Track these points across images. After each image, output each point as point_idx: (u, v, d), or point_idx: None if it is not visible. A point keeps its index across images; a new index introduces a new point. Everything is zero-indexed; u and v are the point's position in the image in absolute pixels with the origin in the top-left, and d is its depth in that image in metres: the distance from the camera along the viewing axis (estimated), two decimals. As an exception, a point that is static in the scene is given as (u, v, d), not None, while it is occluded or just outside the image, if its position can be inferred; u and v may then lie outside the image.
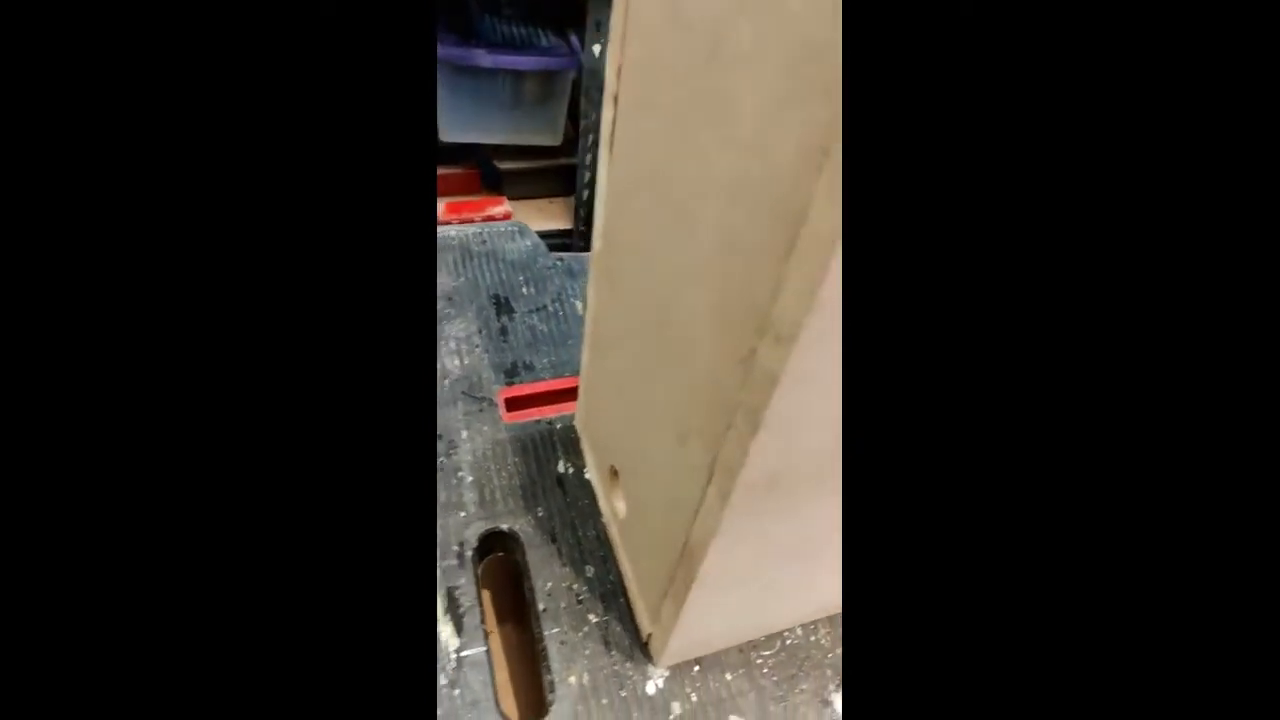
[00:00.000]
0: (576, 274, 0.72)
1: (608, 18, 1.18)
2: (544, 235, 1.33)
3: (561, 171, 1.38)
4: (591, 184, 1.26)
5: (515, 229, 0.77)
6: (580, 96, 1.17)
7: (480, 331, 0.64)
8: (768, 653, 0.45)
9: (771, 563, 0.35)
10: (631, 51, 0.31)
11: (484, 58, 1.11)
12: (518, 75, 1.19)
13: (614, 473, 0.47)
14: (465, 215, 1.30)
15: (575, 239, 1.35)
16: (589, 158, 1.22)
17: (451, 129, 1.24)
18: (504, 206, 1.34)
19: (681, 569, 0.35)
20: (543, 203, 1.42)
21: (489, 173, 1.39)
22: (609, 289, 0.41)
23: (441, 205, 1.28)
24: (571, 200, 1.34)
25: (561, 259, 0.74)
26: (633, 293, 0.36)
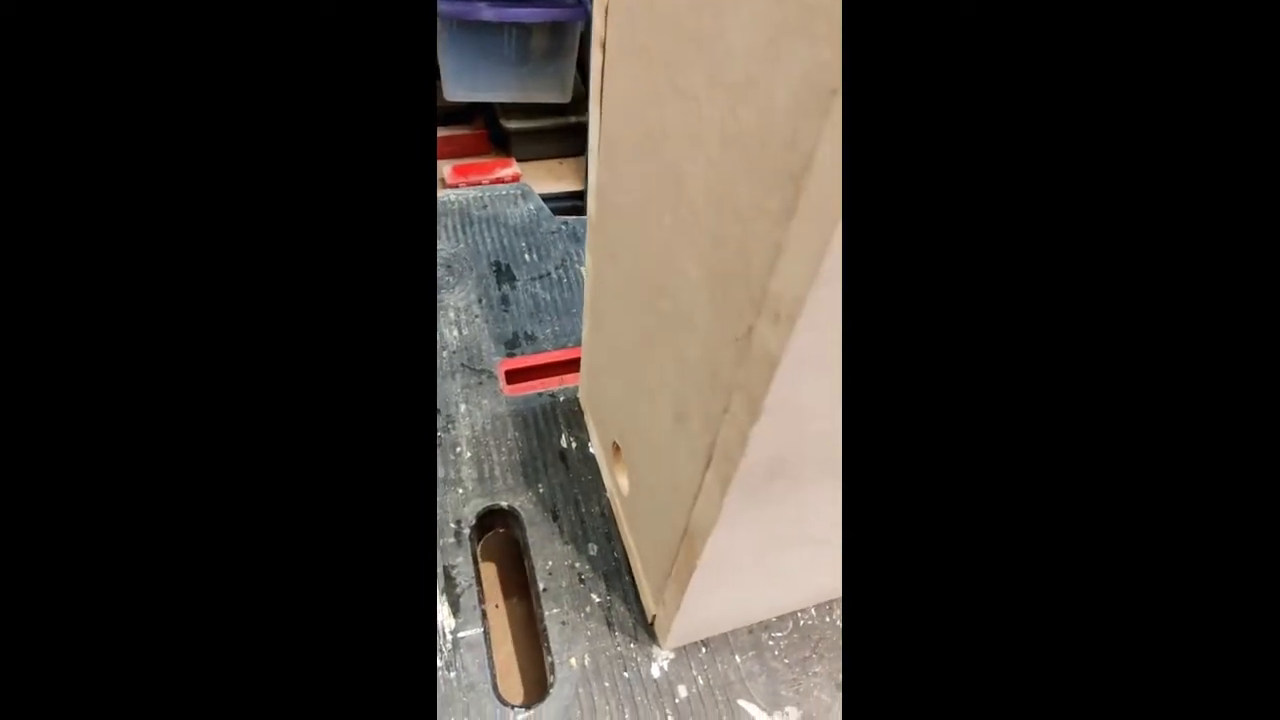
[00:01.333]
0: (582, 238, 0.69)
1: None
2: (555, 198, 1.29)
3: (571, 130, 1.33)
4: (601, 143, 1.22)
5: (518, 192, 0.74)
6: (589, 50, 1.12)
7: (480, 300, 0.62)
8: (779, 634, 0.43)
9: (777, 547, 0.32)
10: (617, -12, 0.27)
11: (486, 10, 1.06)
12: (523, 29, 1.14)
13: (617, 448, 0.45)
14: (473, 178, 1.26)
15: (586, 201, 1.31)
16: (598, 115, 1.17)
17: (455, 88, 1.19)
18: (513, 168, 1.30)
19: (683, 552, 0.33)
20: (553, 164, 1.37)
21: (497, 133, 1.35)
22: (605, 256, 0.38)
23: (448, 168, 1.25)
24: (583, 160, 1.30)
25: (566, 223, 0.71)
26: (627, 260, 0.33)
